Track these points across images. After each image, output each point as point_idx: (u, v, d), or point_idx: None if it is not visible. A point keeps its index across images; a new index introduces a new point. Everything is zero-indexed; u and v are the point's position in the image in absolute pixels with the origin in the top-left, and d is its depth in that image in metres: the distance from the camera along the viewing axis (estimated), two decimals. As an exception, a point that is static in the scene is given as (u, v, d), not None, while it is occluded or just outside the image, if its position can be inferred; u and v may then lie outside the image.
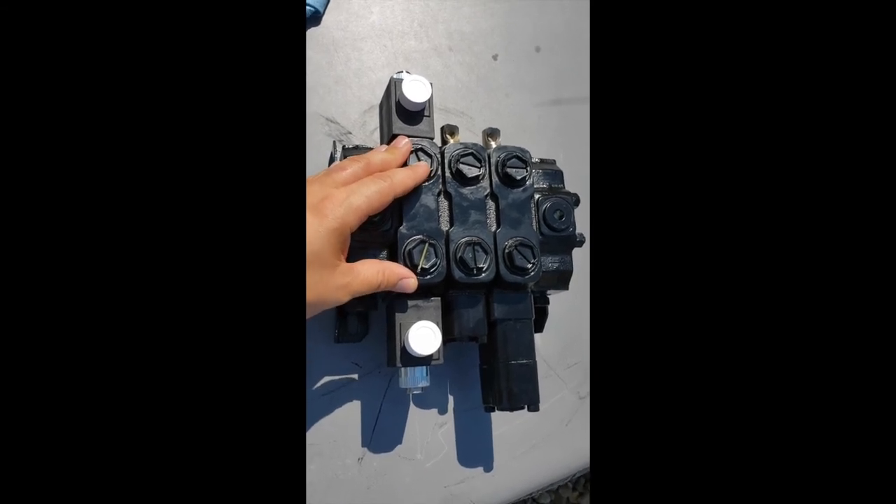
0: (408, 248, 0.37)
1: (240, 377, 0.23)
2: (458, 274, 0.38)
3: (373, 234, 0.37)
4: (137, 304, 0.22)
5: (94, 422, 0.20)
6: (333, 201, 0.33)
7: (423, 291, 0.38)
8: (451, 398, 0.46)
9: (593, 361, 0.27)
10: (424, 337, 0.36)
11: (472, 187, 0.40)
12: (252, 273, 0.23)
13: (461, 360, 0.47)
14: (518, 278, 0.39)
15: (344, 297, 0.34)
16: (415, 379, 0.38)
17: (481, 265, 0.38)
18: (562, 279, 0.43)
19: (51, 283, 0.20)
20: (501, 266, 0.39)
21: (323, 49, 0.50)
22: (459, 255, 0.38)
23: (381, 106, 0.45)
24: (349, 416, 0.43)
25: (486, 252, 0.39)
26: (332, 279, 0.32)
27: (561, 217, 0.42)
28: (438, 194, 0.40)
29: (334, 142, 0.41)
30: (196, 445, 0.22)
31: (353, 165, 0.36)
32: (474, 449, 0.46)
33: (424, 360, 0.37)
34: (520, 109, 0.56)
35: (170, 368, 0.22)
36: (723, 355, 0.23)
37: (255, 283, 0.23)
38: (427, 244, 0.37)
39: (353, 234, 0.34)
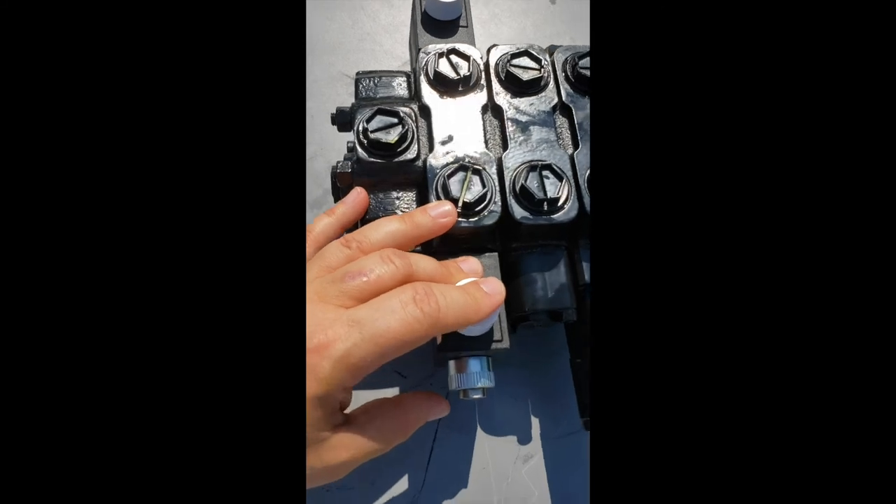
0: (442, 178, 0.26)
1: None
2: (519, 212, 0.26)
3: (390, 166, 0.26)
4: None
5: (95, 426, 0.18)
6: (326, 350, 0.21)
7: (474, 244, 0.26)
8: (534, 420, 0.33)
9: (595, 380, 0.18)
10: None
11: (533, 97, 0.28)
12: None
13: (547, 362, 0.33)
14: (614, 215, 0.26)
15: (339, 475, 0.23)
16: (470, 377, 0.25)
17: (555, 196, 0.26)
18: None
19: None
20: (587, 201, 0.26)
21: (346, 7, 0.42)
22: (520, 183, 0.26)
23: (410, 34, 0.36)
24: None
25: (559, 177, 0.26)
26: (317, 457, 0.22)
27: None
28: (484, 110, 0.28)
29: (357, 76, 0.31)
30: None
31: (381, 267, 0.23)
32: (577, 492, 0.32)
33: (480, 342, 0.25)
34: (592, 51, 0.44)
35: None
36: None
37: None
38: (470, 170, 0.26)
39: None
